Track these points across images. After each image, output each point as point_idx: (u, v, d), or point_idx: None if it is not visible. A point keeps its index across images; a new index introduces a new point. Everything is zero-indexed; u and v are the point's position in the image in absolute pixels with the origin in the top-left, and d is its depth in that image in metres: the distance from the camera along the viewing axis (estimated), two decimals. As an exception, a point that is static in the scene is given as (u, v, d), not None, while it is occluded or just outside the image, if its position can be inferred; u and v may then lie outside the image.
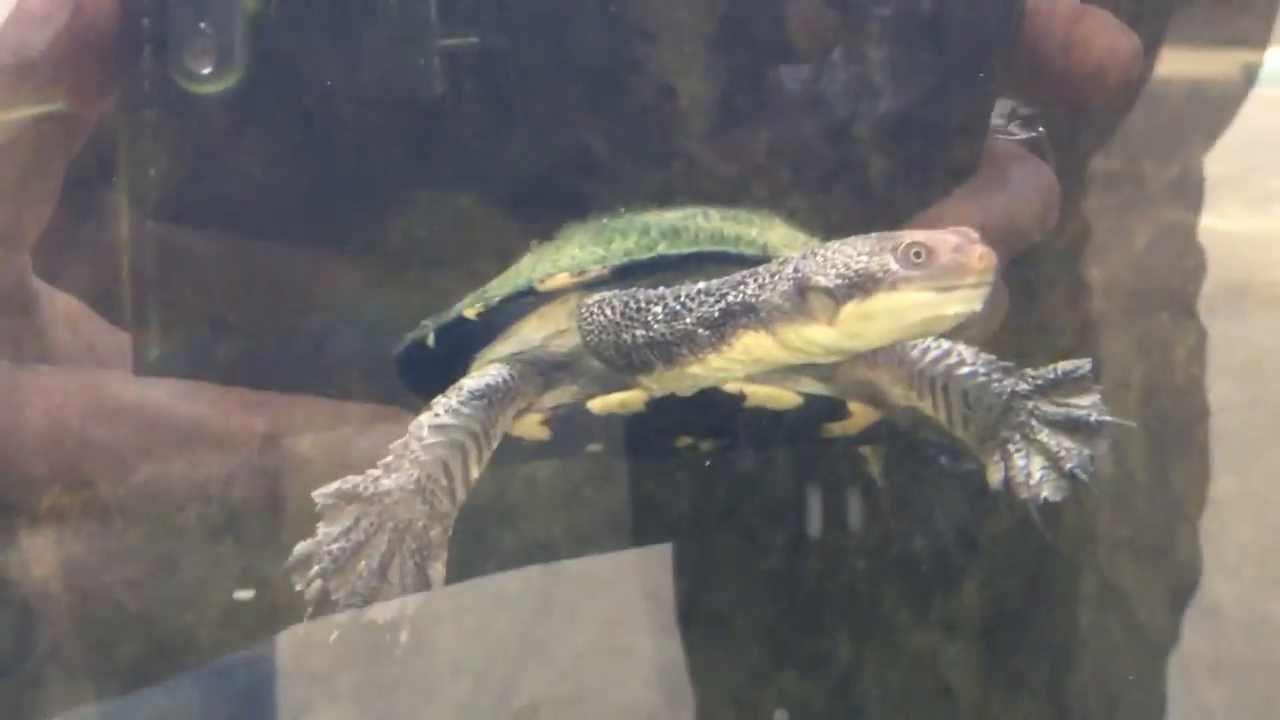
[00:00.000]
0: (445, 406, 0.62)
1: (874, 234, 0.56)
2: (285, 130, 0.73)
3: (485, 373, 0.66)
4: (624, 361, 0.62)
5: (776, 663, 0.96)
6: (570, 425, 0.68)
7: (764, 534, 0.94)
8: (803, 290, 0.55)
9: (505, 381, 0.65)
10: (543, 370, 0.68)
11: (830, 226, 0.78)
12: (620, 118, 0.74)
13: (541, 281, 0.66)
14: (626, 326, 0.61)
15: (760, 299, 0.56)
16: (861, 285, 0.53)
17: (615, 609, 1.06)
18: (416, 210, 0.76)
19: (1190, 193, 0.89)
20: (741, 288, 0.58)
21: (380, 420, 0.52)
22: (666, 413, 0.66)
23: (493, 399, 0.64)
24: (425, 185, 0.76)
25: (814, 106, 0.74)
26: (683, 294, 0.60)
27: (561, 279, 0.65)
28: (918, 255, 0.52)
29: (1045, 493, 0.60)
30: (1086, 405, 0.63)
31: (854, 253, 0.55)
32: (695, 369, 0.61)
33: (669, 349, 0.60)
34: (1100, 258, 0.89)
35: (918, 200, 0.77)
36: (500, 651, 1.10)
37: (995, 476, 0.63)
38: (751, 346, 0.58)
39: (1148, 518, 0.92)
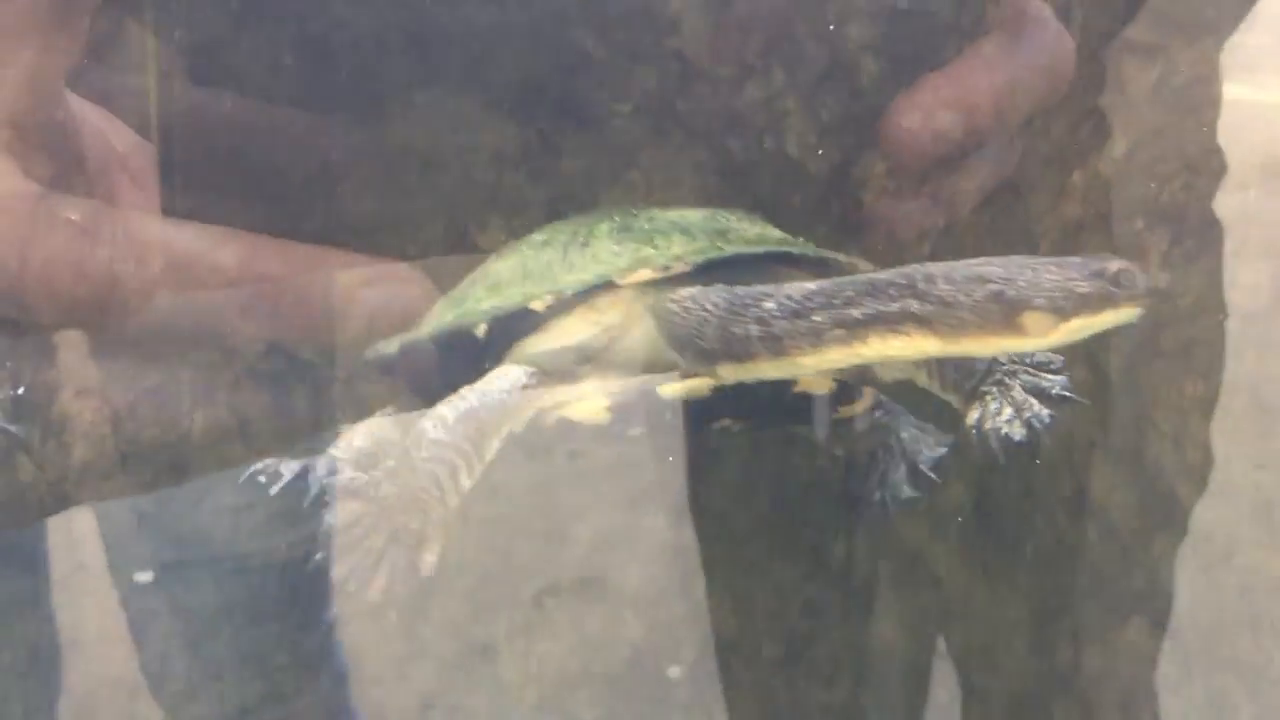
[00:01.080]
0: (446, 421, 0.66)
1: (1075, 258, 0.59)
2: (280, 30, 0.73)
3: (500, 379, 0.68)
4: (724, 352, 0.64)
5: (771, 556, 0.99)
6: (626, 409, 0.70)
7: (762, 435, 0.97)
8: (1015, 308, 0.57)
9: (515, 393, 0.68)
10: (568, 368, 0.69)
11: (821, 129, 0.80)
12: (613, 17, 0.75)
13: (623, 275, 0.67)
14: (736, 320, 0.63)
15: (941, 312, 0.58)
16: (1089, 306, 0.57)
17: (632, 497, 1.08)
18: (413, 112, 0.77)
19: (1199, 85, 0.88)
20: (892, 297, 0.60)
21: (402, 278, 0.52)
22: (720, 398, 0.68)
23: (493, 416, 0.67)
24: (420, 87, 0.76)
25: (809, 7, 0.74)
26: (794, 293, 0.62)
27: (645, 273, 0.67)
28: (1125, 277, 0.57)
29: (1009, 430, 0.68)
30: (1053, 380, 0.71)
31: (1070, 275, 0.58)
32: (807, 360, 0.63)
33: (782, 343, 0.62)
34: (1083, 162, 0.91)
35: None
36: (521, 535, 1.12)
37: (972, 417, 0.70)
38: (900, 348, 0.60)
39: (1118, 421, 0.95)
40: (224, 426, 0.86)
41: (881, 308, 0.60)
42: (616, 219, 0.72)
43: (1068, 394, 0.71)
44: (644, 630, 1.20)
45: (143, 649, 1.09)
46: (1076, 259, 0.59)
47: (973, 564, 1.04)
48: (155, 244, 0.47)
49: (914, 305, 0.59)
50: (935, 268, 0.60)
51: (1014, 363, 0.71)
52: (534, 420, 0.69)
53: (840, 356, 0.62)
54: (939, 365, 0.72)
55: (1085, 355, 0.91)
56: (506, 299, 0.69)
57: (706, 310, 0.64)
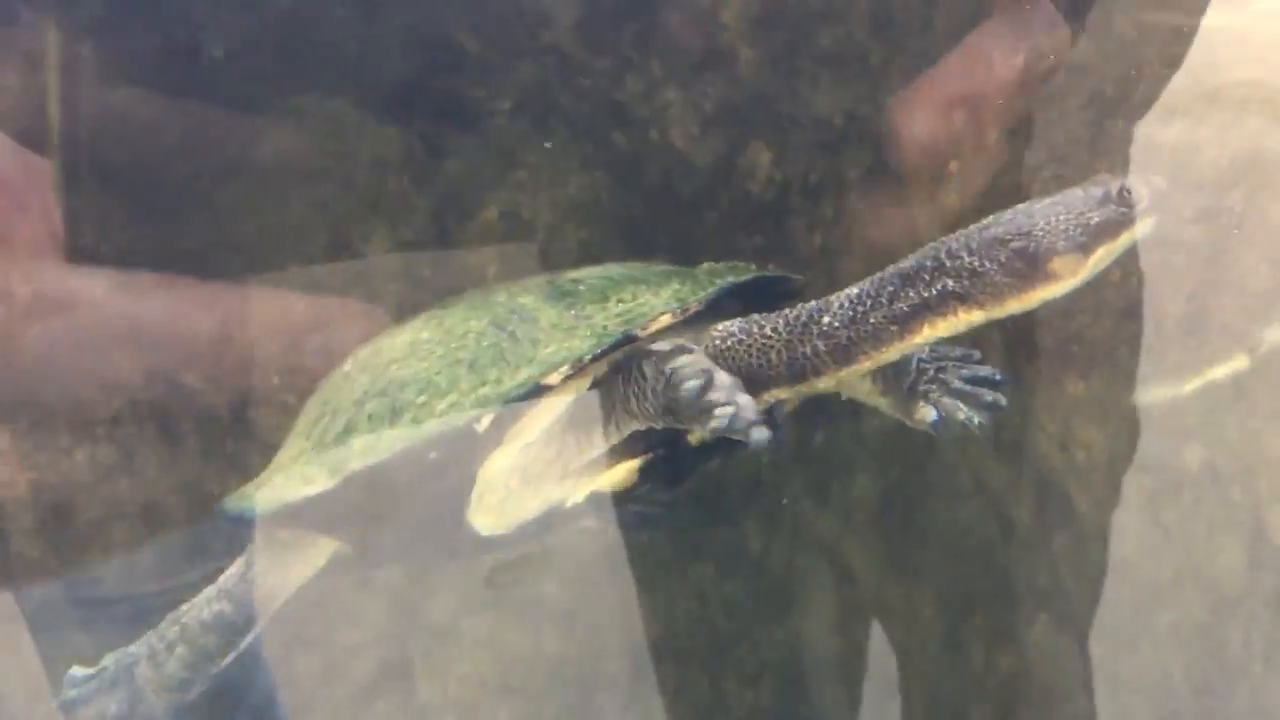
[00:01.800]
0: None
1: (1074, 191, 0.61)
2: (148, 40, 0.71)
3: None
4: (788, 375, 0.64)
5: (693, 555, 0.98)
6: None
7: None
8: (1041, 259, 0.59)
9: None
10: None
11: (704, 120, 0.80)
12: (489, 15, 0.74)
13: (644, 328, 0.64)
14: (802, 340, 0.64)
15: (969, 283, 0.60)
16: (1108, 233, 0.59)
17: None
18: (289, 119, 0.75)
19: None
20: (927, 282, 0.61)
21: (335, 314, 0.49)
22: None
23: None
24: (295, 92, 0.75)
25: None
26: (843, 302, 0.63)
27: (665, 319, 0.65)
28: (1127, 193, 0.60)
29: (977, 418, 0.69)
30: (985, 369, 0.72)
31: (1077, 210, 0.60)
32: (868, 364, 0.64)
33: (849, 351, 0.63)
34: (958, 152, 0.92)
35: (788, 89, 0.79)
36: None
37: (928, 415, 0.70)
38: (948, 327, 0.62)
39: (1004, 417, 0.96)
40: (107, 464, 0.83)
41: (925, 294, 0.61)
42: (534, 292, 0.69)
43: (1004, 379, 0.72)
44: (563, 641, 1.19)
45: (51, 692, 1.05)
46: (1076, 191, 0.60)
47: (885, 559, 1.04)
48: (72, 302, 0.43)
49: (951, 284, 0.61)
50: (953, 241, 0.61)
51: (938, 359, 0.72)
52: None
53: (896, 351, 0.63)
54: (880, 374, 0.71)
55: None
56: (511, 383, 0.63)
57: (768, 335, 0.64)
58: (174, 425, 0.81)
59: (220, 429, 0.82)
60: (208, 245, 0.69)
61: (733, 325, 0.65)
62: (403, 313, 0.85)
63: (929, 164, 0.74)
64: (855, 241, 0.88)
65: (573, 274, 0.72)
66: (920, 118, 0.74)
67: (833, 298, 0.64)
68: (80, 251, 0.56)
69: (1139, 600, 1.11)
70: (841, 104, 0.79)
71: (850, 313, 0.63)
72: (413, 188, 0.79)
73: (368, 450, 0.64)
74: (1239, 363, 0.80)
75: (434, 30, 0.74)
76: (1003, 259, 0.60)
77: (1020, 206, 0.61)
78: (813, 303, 0.64)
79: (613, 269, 0.73)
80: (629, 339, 0.63)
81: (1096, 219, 0.60)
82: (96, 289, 0.46)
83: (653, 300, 0.66)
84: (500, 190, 0.81)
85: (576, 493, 0.67)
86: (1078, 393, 0.92)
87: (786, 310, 0.65)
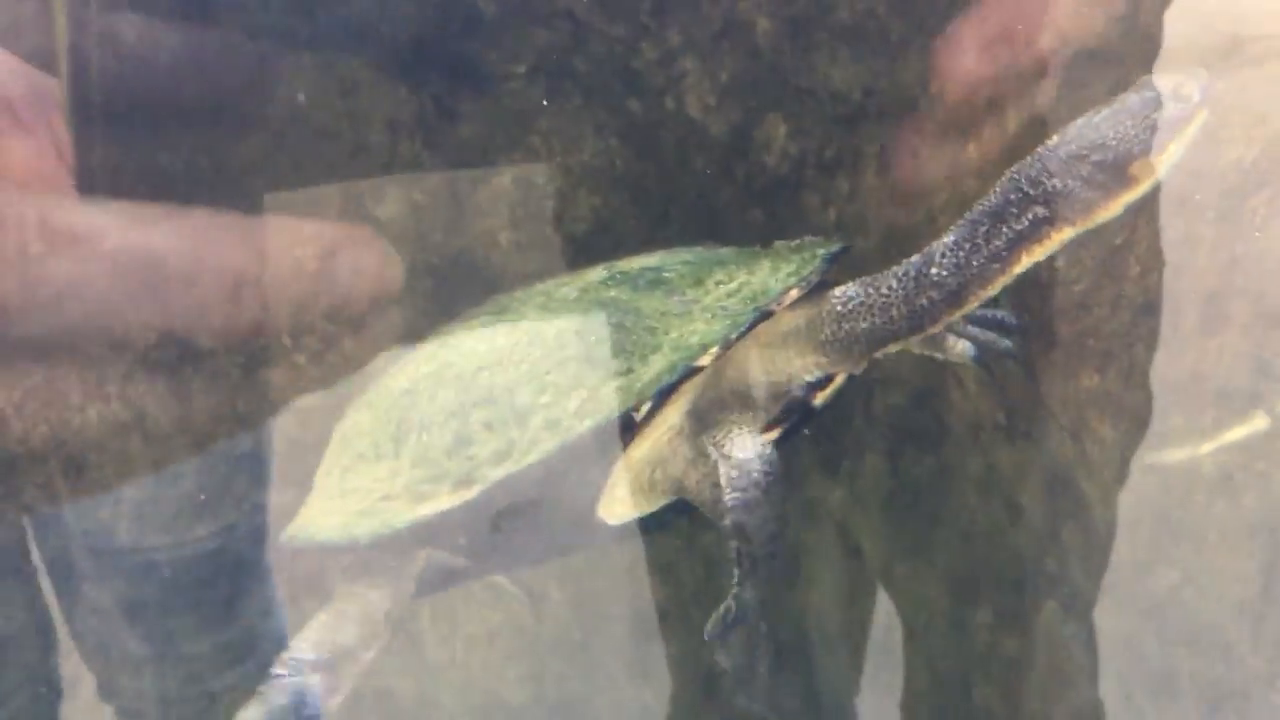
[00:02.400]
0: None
1: (1120, 99, 0.62)
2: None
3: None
4: (908, 326, 0.67)
5: (702, 523, 0.98)
6: None
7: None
8: (1123, 166, 0.61)
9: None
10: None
11: (722, 90, 0.79)
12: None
13: (778, 303, 0.65)
14: (917, 293, 0.66)
15: (1058, 202, 0.62)
16: (1174, 130, 0.61)
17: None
18: (302, 76, 0.74)
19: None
20: (1017, 215, 0.63)
21: (351, 241, 0.46)
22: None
23: None
24: (308, 47, 0.74)
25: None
26: (945, 252, 0.65)
27: (794, 293, 0.66)
28: (1181, 90, 0.61)
29: (1002, 347, 0.76)
30: (998, 312, 0.77)
31: (1140, 114, 0.61)
32: (975, 304, 0.66)
33: (961, 295, 0.65)
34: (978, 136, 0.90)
35: (805, 62, 0.78)
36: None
37: (965, 350, 0.76)
38: (1044, 250, 0.64)
39: (1018, 406, 0.95)
40: (119, 421, 0.83)
41: (1018, 227, 0.63)
42: (610, 288, 0.68)
43: (1017, 321, 0.76)
44: (568, 604, 1.19)
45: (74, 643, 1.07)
46: (1131, 96, 0.62)
47: (892, 537, 1.04)
48: (86, 240, 0.40)
49: (1040, 211, 0.63)
50: (1028, 169, 0.63)
51: None
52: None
53: (1000, 285, 0.65)
54: None
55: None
56: (653, 370, 0.62)
57: (885, 294, 0.66)
58: (185, 377, 0.82)
59: (230, 384, 0.83)
60: (217, 195, 0.69)
61: (850, 289, 0.67)
62: (415, 276, 0.85)
63: (973, 102, 0.73)
64: (871, 217, 0.87)
65: (624, 266, 0.71)
66: (966, 54, 0.73)
67: (933, 248, 0.65)
68: (90, 182, 0.53)
69: (1148, 598, 1.10)
70: (860, 79, 0.78)
71: (955, 260, 0.65)
72: (425, 150, 0.79)
73: (503, 456, 0.62)
74: (1258, 423, 0.79)
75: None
76: (1085, 174, 0.62)
77: (1079, 122, 0.63)
78: (915, 258, 0.66)
79: (664, 256, 0.72)
80: (765, 314, 0.64)
81: (1160, 119, 0.61)
82: (107, 222, 0.43)
83: (755, 279, 0.67)
84: (513, 154, 0.80)
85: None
86: (1092, 386, 0.91)
87: (894, 269, 0.66)
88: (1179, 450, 0.88)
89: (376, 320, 0.52)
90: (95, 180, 0.52)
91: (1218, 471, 0.88)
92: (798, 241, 0.74)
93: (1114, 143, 0.61)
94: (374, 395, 0.68)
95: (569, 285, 0.70)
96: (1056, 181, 0.62)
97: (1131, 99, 0.62)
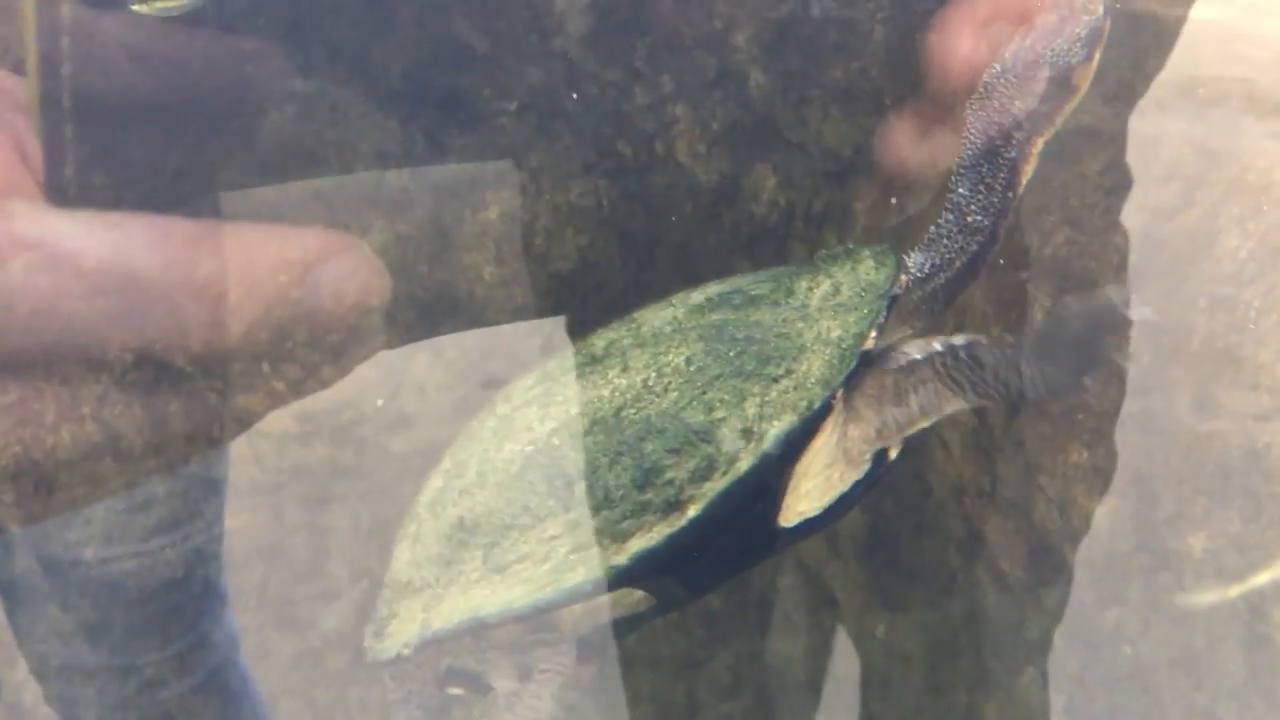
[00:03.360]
0: None
1: (1046, 18, 0.68)
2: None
3: None
4: (971, 273, 0.70)
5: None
6: None
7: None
8: (1067, 76, 0.67)
9: None
10: None
11: (711, 139, 0.79)
12: (501, 16, 0.73)
13: (897, 286, 0.67)
14: (967, 241, 0.69)
15: (1029, 120, 0.67)
16: (1099, 36, 0.68)
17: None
18: (291, 100, 0.74)
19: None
20: (1006, 146, 0.68)
21: (337, 248, 0.43)
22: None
23: None
24: (300, 78, 0.74)
25: (695, 13, 0.73)
26: (966, 202, 0.68)
27: (903, 279, 0.68)
28: (1092, 4, 0.67)
29: None
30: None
31: (1064, 31, 0.68)
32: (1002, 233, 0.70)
33: (995, 231, 0.69)
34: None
35: (797, 116, 0.78)
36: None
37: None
38: (1029, 168, 0.69)
39: (1006, 474, 0.94)
40: (93, 443, 0.83)
41: (1011, 155, 0.68)
42: (709, 314, 0.67)
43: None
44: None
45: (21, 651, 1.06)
46: (1049, 18, 0.68)
47: (870, 590, 1.03)
48: (57, 253, 0.38)
49: (1019, 136, 0.68)
50: (994, 100, 0.68)
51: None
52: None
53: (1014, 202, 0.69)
54: None
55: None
56: (834, 351, 0.63)
57: (946, 250, 0.69)
58: (158, 399, 0.81)
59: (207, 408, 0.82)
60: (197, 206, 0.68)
61: (918, 257, 0.69)
62: (398, 308, 0.84)
63: (970, 85, 0.73)
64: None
65: (697, 297, 0.69)
66: (961, 36, 0.74)
67: (955, 201, 0.69)
68: (60, 190, 0.51)
69: (1132, 679, 1.09)
70: (851, 136, 0.78)
71: (980, 203, 0.68)
72: (413, 183, 0.78)
73: (707, 473, 0.61)
74: (1269, 573, 0.79)
75: (444, 26, 0.73)
76: (1039, 91, 0.67)
77: (1011, 49, 0.68)
78: (947, 216, 0.69)
79: (722, 284, 0.70)
80: (893, 299, 0.66)
81: (1087, 27, 0.67)
82: (79, 233, 0.39)
83: (844, 279, 0.68)
84: (500, 192, 0.80)
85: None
86: (1080, 461, 0.90)
87: (938, 230, 0.69)
88: (1206, 594, 0.87)
89: (360, 332, 0.49)
90: (66, 188, 0.50)
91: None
92: (829, 252, 0.73)
93: (1053, 58, 0.67)
94: (477, 475, 0.65)
95: (649, 324, 0.68)
96: (1020, 104, 0.67)
97: (1050, 19, 0.68)
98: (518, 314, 0.84)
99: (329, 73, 0.73)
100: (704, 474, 0.61)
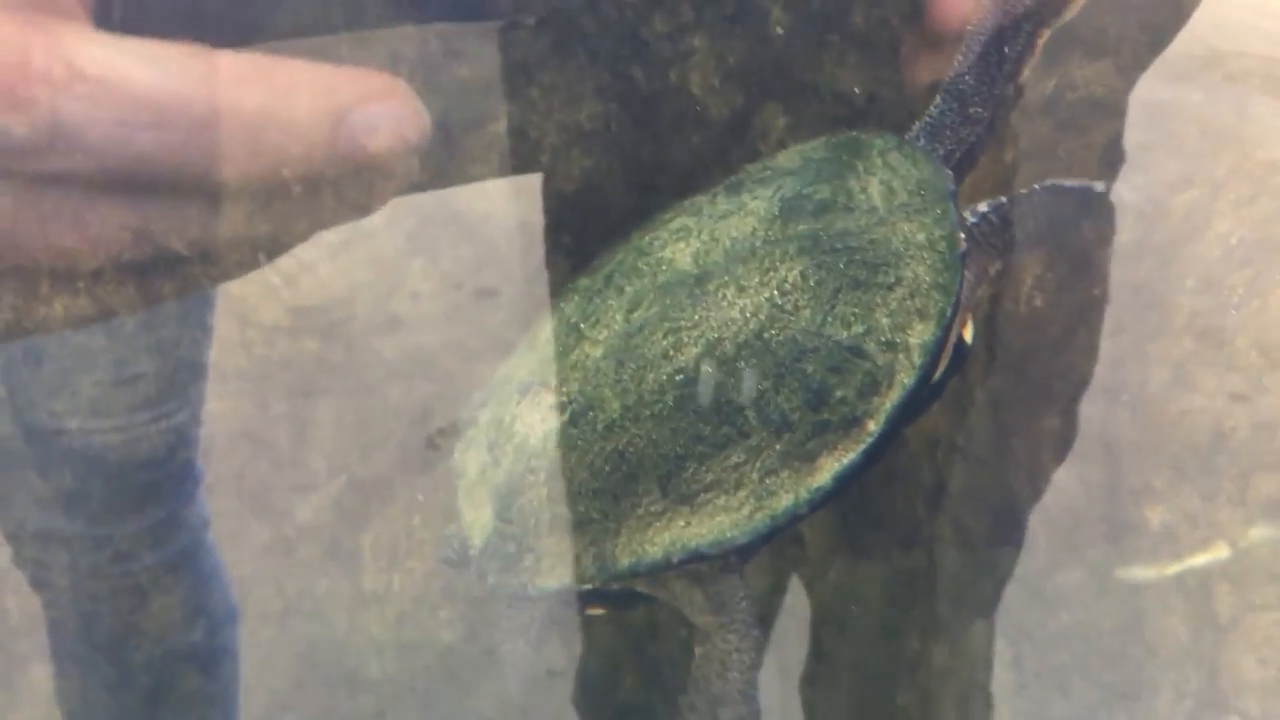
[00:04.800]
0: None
1: None
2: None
3: None
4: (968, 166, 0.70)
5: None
6: None
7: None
8: None
9: None
10: None
11: (727, 73, 0.78)
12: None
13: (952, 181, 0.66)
14: (966, 131, 0.68)
15: (1037, 9, 0.66)
16: None
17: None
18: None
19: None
20: (1014, 37, 0.67)
21: (378, 88, 0.42)
22: None
23: None
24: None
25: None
26: (970, 88, 0.67)
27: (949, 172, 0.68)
28: None
29: None
30: None
31: None
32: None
33: (995, 124, 0.68)
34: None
35: (814, 58, 0.77)
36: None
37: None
38: (1033, 60, 0.68)
39: (979, 432, 0.95)
40: (85, 316, 0.83)
41: (1019, 47, 0.67)
42: (789, 221, 0.65)
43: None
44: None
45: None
46: None
47: (835, 532, 1.05)
48: (108, 77, 0.37)
49: (1028, 25, 0.67)
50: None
51: None
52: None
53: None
54: None
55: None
56: (935, 239, 0.64)
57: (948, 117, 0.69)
58: (153, 279, 0.81)
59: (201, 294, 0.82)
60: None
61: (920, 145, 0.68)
62: (397, 215, 0.85)
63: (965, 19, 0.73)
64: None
65: (757, 205, 0.67)
66: None
67: (961, 89, 0.68)
68: (107, 17, 0.50)
69: (1080, 640, 1.12)
70: (865, 84, 0.78)
71: (985, 95, 0.67)
72: (424, 90, 0.78)
73: (874, 386, 0.62)
74: (1219, 552, 0.80)
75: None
76: None
77: None
78: (949, 103, 0.68)
79: (765, 184, 0.68)
80: (954, 194, 0.66)
81: None
82: (133, 62, 0.38)
83: (892, 178, 0.67)
84: (511, 105, 0.80)
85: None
86: (1052, 427, 0.91)
87: (932, 118, 0.68)
88: (1145, 569, 0.89)
89: (398, 169, 0.48)
90: (114, 15, 0.49)
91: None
92: (837, 139, 0.71)
93: None
94: (623, 409, 0.64)
95: (727, 236, 0.66)
96: None
97: None
98: (516, 230, 0.85)
99: (349, -34, 0.73)
100: (871, 389, 0.61)
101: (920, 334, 0.62)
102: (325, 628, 1.25)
